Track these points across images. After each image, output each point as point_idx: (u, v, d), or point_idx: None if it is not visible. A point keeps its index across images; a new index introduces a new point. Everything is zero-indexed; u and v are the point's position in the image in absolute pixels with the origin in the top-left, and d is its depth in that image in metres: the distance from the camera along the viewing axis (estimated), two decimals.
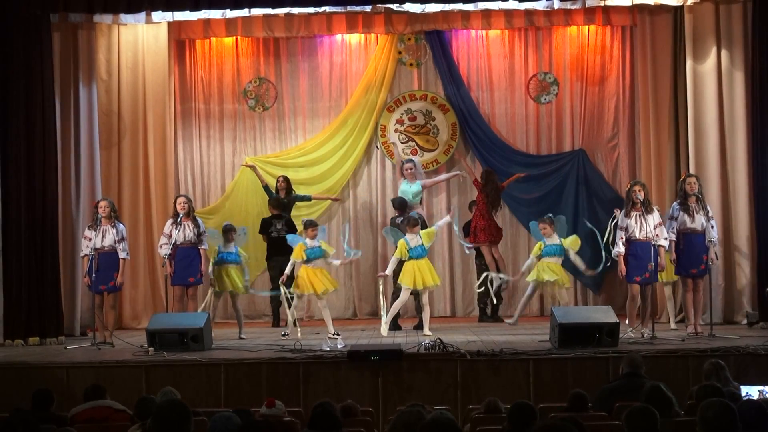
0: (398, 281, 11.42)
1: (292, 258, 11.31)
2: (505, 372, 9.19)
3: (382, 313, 11.44)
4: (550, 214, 11.88)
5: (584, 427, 5.13)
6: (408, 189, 12.61)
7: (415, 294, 11.46)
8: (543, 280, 11.49)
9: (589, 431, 5.33)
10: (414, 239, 11.24)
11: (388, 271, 11.44)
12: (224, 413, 5.40)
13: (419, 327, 11.62)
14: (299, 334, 10.97)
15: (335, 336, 10.71)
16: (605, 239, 11.38)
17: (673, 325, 11.46)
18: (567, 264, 12.67)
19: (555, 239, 11.61)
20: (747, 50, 12.05)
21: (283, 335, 11.12)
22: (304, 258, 11.16)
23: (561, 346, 9.51)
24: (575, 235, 11.86)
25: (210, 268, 11.45)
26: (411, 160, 12.94)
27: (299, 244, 11.25)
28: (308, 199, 13.42)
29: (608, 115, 13.93)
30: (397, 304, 11.44)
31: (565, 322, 9.63)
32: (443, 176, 13.44)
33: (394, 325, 11.72)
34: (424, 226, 11.83)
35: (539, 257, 11.62)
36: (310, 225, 11.41)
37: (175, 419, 4.48)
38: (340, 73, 14.25)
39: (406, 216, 11.88)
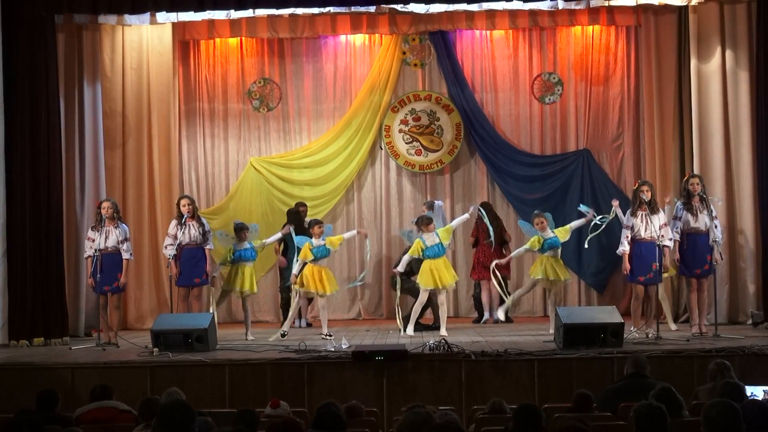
0: (416, 281, 11.39)
1: (300, 258, 11.31)
2: (510, 372, 9.18)
3: (398, 312, 11.37)
4: (537, 210, 11.68)
5: (590, 428, 5.08)
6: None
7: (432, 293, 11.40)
8: (550, 278, 11.25)
9: None
10: (430, 238, 11.18)
11: (400, 268, 11.40)
12: (202, 419, 5.40)
13: (436, 327, 11.57)
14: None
15: (328, 336, 10.81)
16: (601, 219, 11.25)
17: (672, 326, 11.22)
18: (571, 264, 12.88)
19: (549, 233, 11.34)
20: (752, 50, 12.03)
21: (282, 335, 11.11)
22: (311, 257, 11.18)
23: (565, 347, 9.51)
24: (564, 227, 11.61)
25: (217, 269, 11.50)
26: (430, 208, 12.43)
27: (306, 244, 11.25)
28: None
29: (613, 115, 13.92)
30: (417, 306, 11.34)
31: (569, 323, 9.63)
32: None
33: (419, 326, 11.60)
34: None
35: (541, 250, 11.34)
36: (315, 223, 11.46)
37: (179, 420, 4.48)
38: (344, 74, 14.25)
39: (419, 216, 11.80)
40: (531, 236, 11.36)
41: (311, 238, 11.33)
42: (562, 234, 11.30)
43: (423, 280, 11.19)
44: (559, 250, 11.41)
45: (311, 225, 11.51)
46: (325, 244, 11.25)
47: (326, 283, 11.17)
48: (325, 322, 11.23)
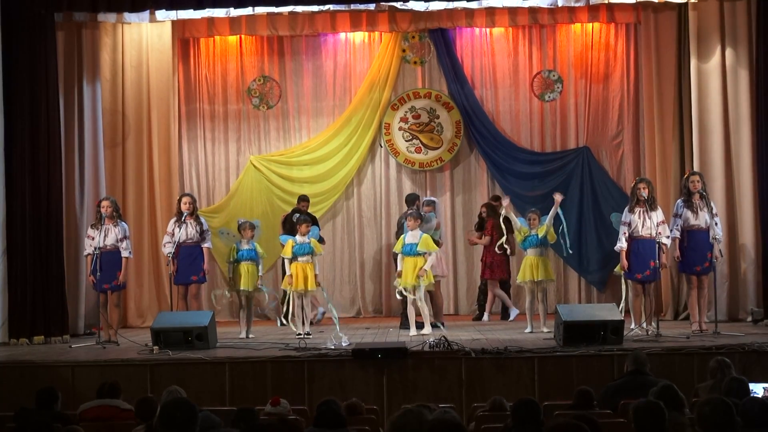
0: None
1: (282, 254, 11.21)
2: (510, 370, 9.19)
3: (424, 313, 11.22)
4: (533, 208, 11.60)
5: (599, 425, 5.03)
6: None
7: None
8: (534, 279, 11.14)
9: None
10: (412, 235, 11.03)
11: (400, 267, 11.14)
12: (205, 414, 5.40)
13: (436, 324, 11.55)
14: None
15: (306, 336, 10.68)
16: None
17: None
18: (571, 261, 13.02)
19: (534, 231, 11.25)
20: (751, 48, 12.03)
21: (297, 334, 10.88)
22: (290, 255, 11.03)
23: (566, 344, 9.51)
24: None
25: (228, 268, 11.47)
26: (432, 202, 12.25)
27: (289, 241, 11.12)
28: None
29: (613, 113, 13.91)
30: (409, 306, 11.24)
31: (569, 320, 9.63)
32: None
33: (406, 324, 11.47)
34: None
35: (523, 245, 11.28)
36: (303, 221, 11.27)
37: (180, 418, 4.48)
38: (344, 72, 14.24)
39: (412, 209, 11.71)
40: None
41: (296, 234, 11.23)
42: (542, 231, 11.15)
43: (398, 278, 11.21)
44: (547, 249, 11.35)
45: (299, 222, 11.31)
46: (309, 243, 11.09)
47: (310, 280, 11.04)
48: (307, 319, 11.14)
